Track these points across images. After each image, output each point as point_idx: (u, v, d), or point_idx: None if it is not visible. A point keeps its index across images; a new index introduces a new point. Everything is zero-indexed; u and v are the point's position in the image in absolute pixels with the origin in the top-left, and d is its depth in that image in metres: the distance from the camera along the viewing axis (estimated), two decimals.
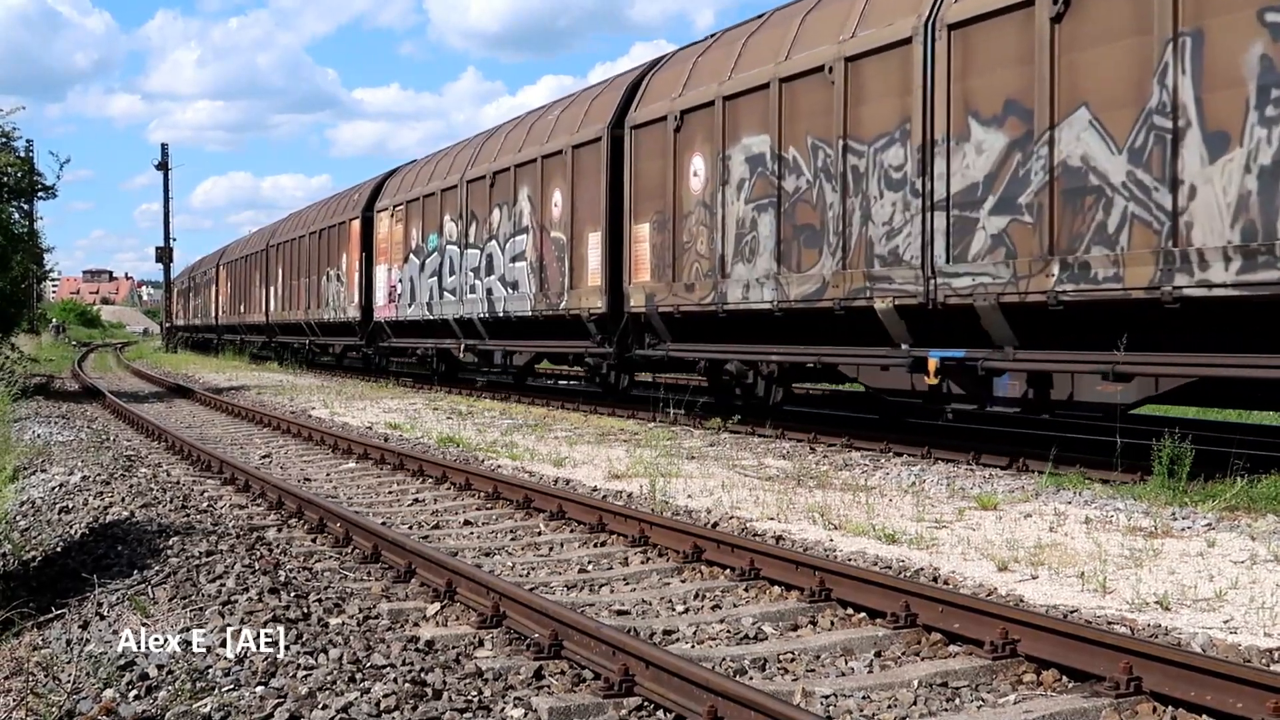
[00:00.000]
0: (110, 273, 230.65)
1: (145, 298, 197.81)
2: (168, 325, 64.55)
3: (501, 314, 20.18)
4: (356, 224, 28.85)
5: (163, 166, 59.96)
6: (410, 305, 24.72)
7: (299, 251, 35.14)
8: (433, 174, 24.41)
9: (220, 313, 50.58)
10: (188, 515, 8.54)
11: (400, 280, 25.37)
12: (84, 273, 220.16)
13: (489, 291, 20.67)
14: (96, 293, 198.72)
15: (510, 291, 19.84)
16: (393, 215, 26.23)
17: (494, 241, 20.49)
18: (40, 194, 26.31)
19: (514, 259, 19.65)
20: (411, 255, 24.80)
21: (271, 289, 39.07)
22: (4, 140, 23.72)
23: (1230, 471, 8.99)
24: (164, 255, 61.38)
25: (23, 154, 26.43)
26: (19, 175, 24.46)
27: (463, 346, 22.39)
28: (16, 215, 26.56)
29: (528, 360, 20.81)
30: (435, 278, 23.28)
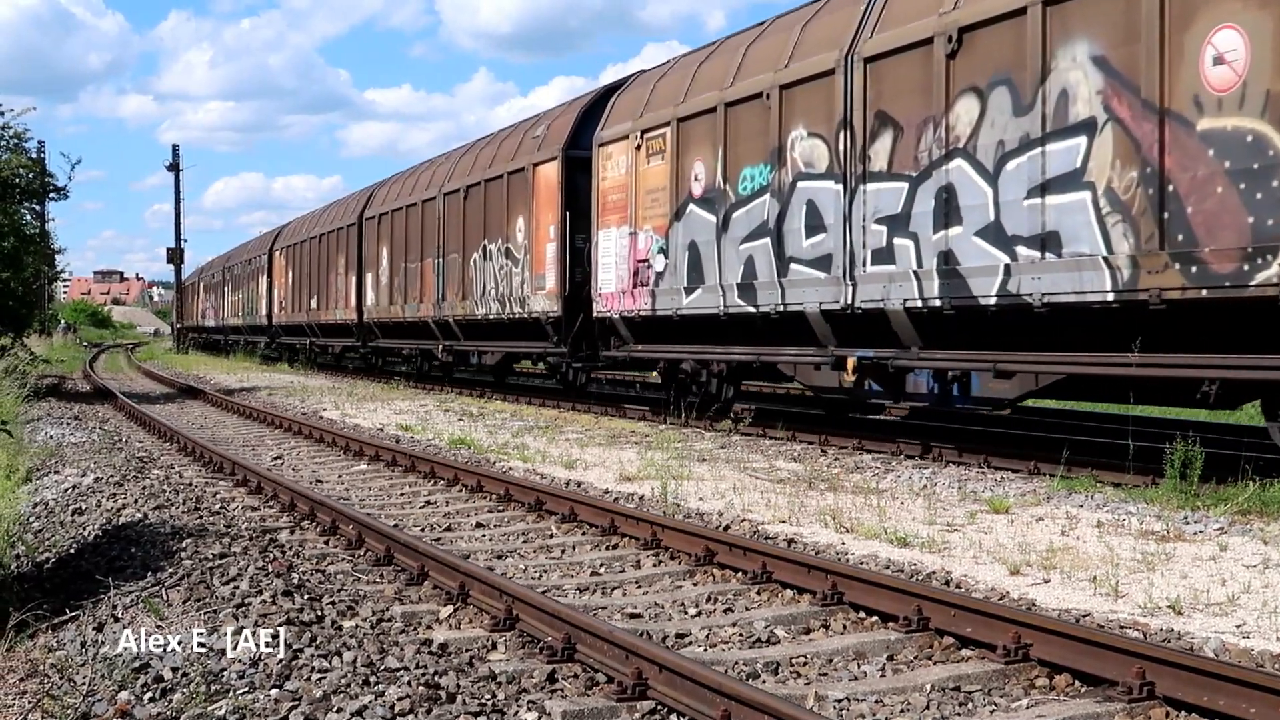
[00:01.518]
0: (121, 273, 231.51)
1: (156, 298, 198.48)
2: (179, 326, 64.68)
3: (991, 298, 10.47)
4: (550, 170, 19.18)
5: (174, 168, 60.18)
6: (694, 291, 14.82)
7: (422, 221, 25.11)
8: (737, 69, 14.38)
9: (277, 310, 40.00)
10: (200, 517, 8.57)
11: (661, 250, 15.67)
12: (95, 273, 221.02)
13: (945, 257, 10.97)
14: (107, 293, 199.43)
15: (1030, 255, 10.10)
16: (643, 147, 16.13)
17: (959, 161, 10.82)
18: (52, 195, 26.44)
19: (1042, 189, 9.99)
20: (693, 207, 14.96)
21: (369, 276, 29.11)
22: (16, 142, 23.84)
23: (1242, 475, 8.98)
24: (175, 256, 61.56)
25: (34, 155, 26.58)
26: (30, 177, 24.57)
27: (854, 362, 12.23)
28: (28, 216, 26.70)
29: (1022, 395, 11.15)
30: (764, 240, 13.54)
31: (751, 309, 13.75)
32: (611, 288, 17.05)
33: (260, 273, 42.79)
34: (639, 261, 16.26)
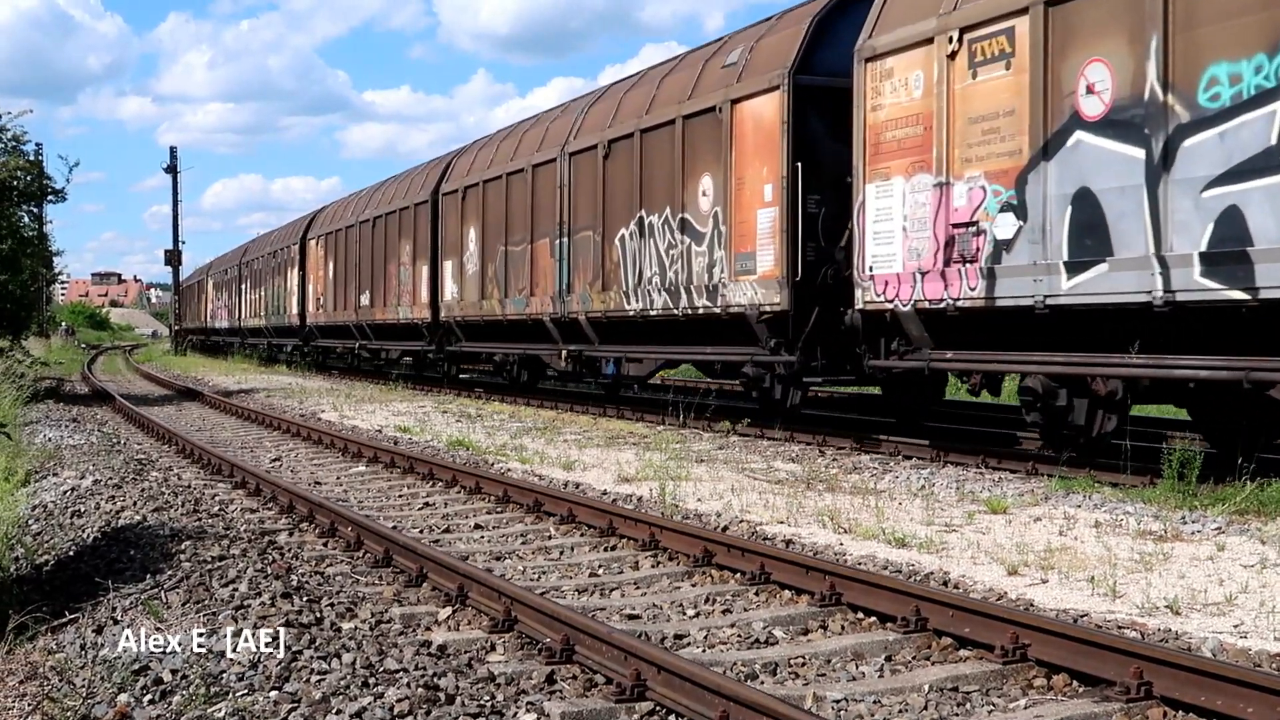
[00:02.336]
0: (119, 275, 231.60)
1: (154, 300, 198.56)
2: (177, 328, 64.68)
3: None
4: (766, 106, 13.47)
5: (171, 170, 60.16)
6: (1090, 267, 9.74)
7: (532, 192, 19.31)
8: None
9: (312, 308, 34.25)
10: (199, 519, 8.58)
11: (1009, 207, 10.51)
12: (93, 275, 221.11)
13: None
14: (105, 295, 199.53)
15: None
16: (963, 53, 10.93)
17: None
18: (50, 197, 26.44)
19: None
20: (1083, 137, 9.88)
21: (447, 265, 23.30)
22: (14, 144, 23.86)
23: (1240, 474, 8.99)
24: (173, 258, 61.55)
25: (32, 157, 26.59)
26: (28, 179, 24.58)
27: None
28: (26, 219, 26.72)
29: None
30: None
31: (1238, 292, 8.57)
32: (895, 266, 11.61)
33: (289, 266, 36.81)
34: (956, 226, 10.95)
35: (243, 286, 45.83)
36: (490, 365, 23.82)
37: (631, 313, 16.25)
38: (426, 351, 25.43)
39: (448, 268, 23.47)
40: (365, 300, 28.81)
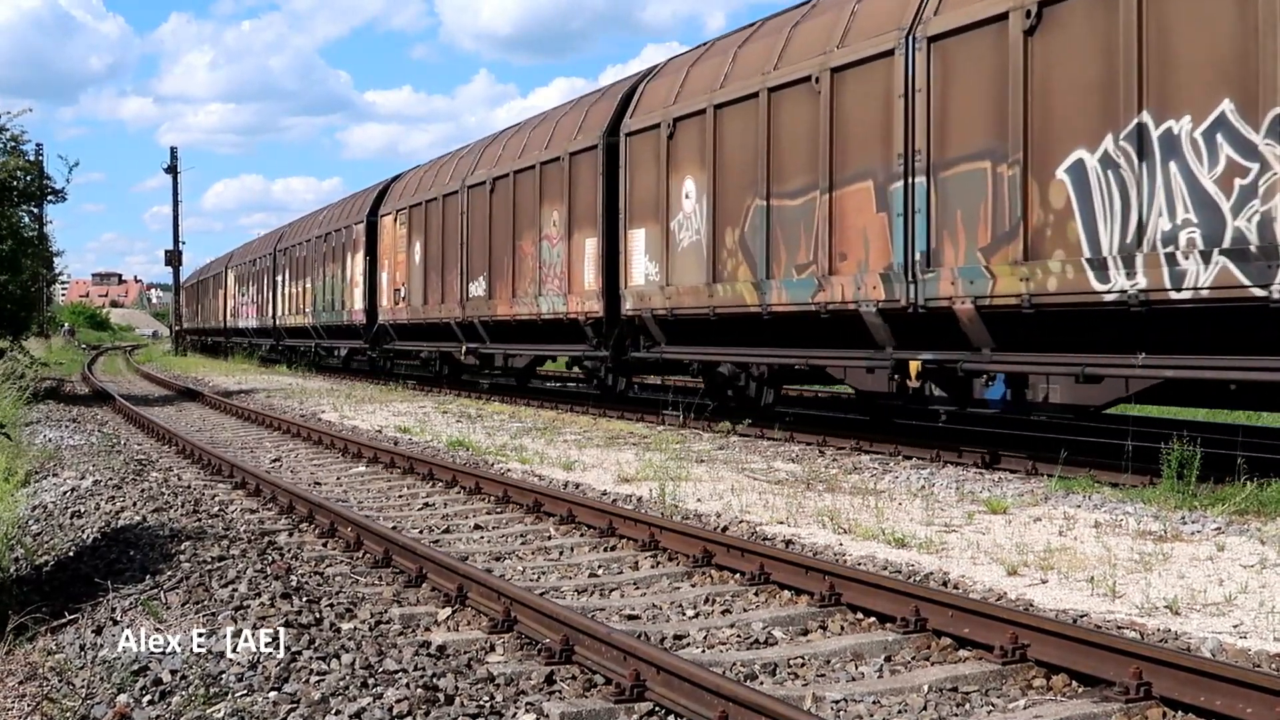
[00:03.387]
0: (119, 275, 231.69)
1: (155, 300, 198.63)
2: (178, 328, 64.67)
3: None
4: None
5: (171, 170, 60.12)
6: None
7: (836, 107, 12.23)
8: None
9: (388, 302, 27.27)
10: (199, 520, 8.58)
11: None
12: (93, 275, 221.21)
13: None
14: (106, 295, 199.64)
15: None
16: None
17: None
18: (49, 197, 26.45)
19: None
20: None
21: (635, 235, 16.31)
22: (13, 144, 23.86)
23: (1240, 474, 8.99)
24: (173, 259, 61.51)
25: (32, 158, 26.61)
26: (28, 179, 24.59)
27: None
28: (26, 219, 26.75)
29: None
30: None
31: None
32: None
33: (349, 250, 30.08)
34: None
35: (278, 278, 38.32)
36: (719, 381, 15.57)
37: (1110, 297, 9.31)
38: (586, 357, 18.41)
39: (637, 240, 16.38)
40: (477, 290, 21.88)
